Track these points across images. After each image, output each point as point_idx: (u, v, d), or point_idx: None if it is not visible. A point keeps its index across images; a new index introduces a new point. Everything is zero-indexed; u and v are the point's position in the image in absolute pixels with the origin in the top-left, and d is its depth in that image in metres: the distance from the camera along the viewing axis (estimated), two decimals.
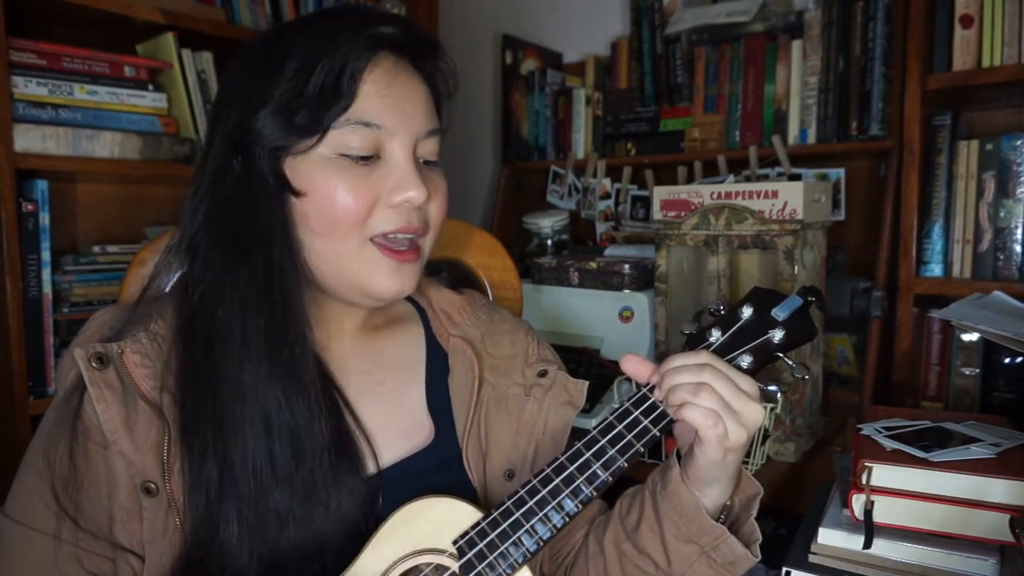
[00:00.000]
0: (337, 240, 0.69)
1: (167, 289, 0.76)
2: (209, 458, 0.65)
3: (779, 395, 0.70)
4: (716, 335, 0.70)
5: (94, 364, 0.66)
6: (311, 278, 0.72)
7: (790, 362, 0.70)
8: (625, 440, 0.66)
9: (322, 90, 0.67)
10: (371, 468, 0.72)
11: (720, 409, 0.65)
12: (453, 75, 0.78)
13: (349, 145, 0.68)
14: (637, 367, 0.70)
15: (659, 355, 1.33)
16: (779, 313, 0.70)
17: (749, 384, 0.67)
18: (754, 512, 0.74)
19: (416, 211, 0.71)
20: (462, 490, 0.74)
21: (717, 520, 0.72)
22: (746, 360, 0.69)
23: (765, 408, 1.14)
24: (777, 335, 0.69)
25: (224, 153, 0.70)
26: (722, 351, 0.70)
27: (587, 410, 1.36)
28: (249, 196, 0.69)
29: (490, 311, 0.87)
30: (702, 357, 0.67)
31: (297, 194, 0.69)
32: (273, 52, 0.70)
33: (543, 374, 0.80)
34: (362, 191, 0.68)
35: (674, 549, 0.71)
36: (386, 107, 0.69)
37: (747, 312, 0.71)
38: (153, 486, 0.65)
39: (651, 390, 0.69)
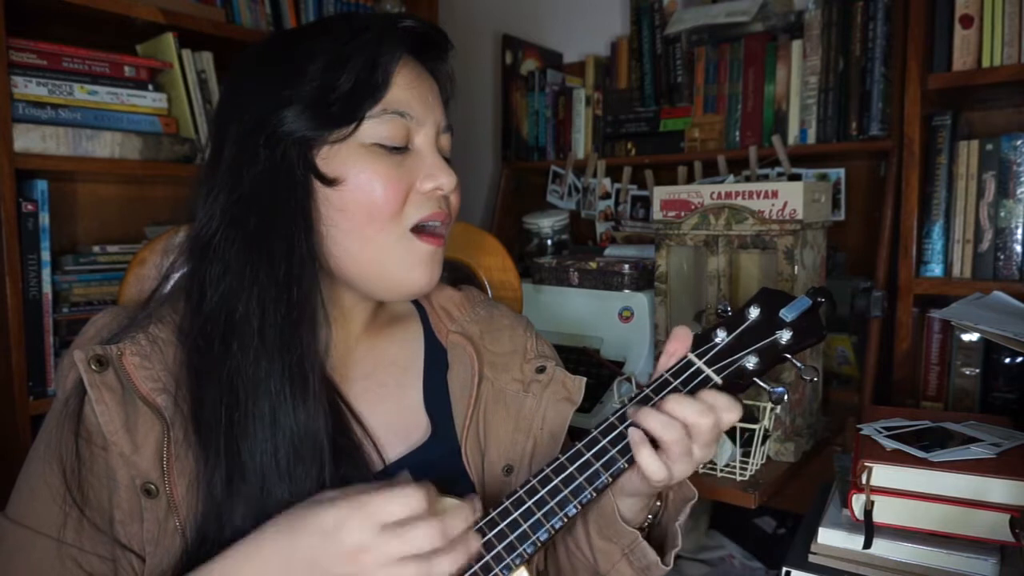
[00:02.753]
0: (374, 232, 0.70)
1: (166, 291, 0.76)
2: (221, 456, 0.65)
3: (785, 397, 0.69)
4: (722, 336, 0.70)
5: (94, 366, 0.66)
6: (329, 272, 0.72)
7: (798, 364, 0.69)
8: (626, 441, 0.66)
9: (356, 82, 0.68)
10: (377, 467, 0.72)
11: (677, 457, 0.65)
12: (453, 80, 0.81)
13: (384, 135, 0.70)
14: (679, 344, 0.70)
15: (658, 355, 1.33)
16: (787, 314, 0.69)
17: (735, 415, 0.66)
18: (682, 518, 0.75)
19: (443, 199, 0.74)
20: (460, 486, 0.75)
21: (646, 518, 0.75)
22: (752, 361, 0.68)
23: (766, 409, 1.14)
24: (785, 336, 0.68)
25: (244, 148, 0.69)
26: (728, 351, 0.69)
27: (586, 410, 1.36)
28: (272, 189, 0.68)
29: (489, 307, 0.87)
30: (690, 412, 0.65)
31: (331, 183, 0.69)
32: (292, 53, 0.71)
33: (541, 370, 0.80)
34: (396, 179, 0.70)
35: (598, 546, 0.73)
36: (414, 98, 0.72)
37: (754, 313, 0.70)
38: (153, 487, 0.65)
39: (654, 391, 0.69)
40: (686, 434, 0.65)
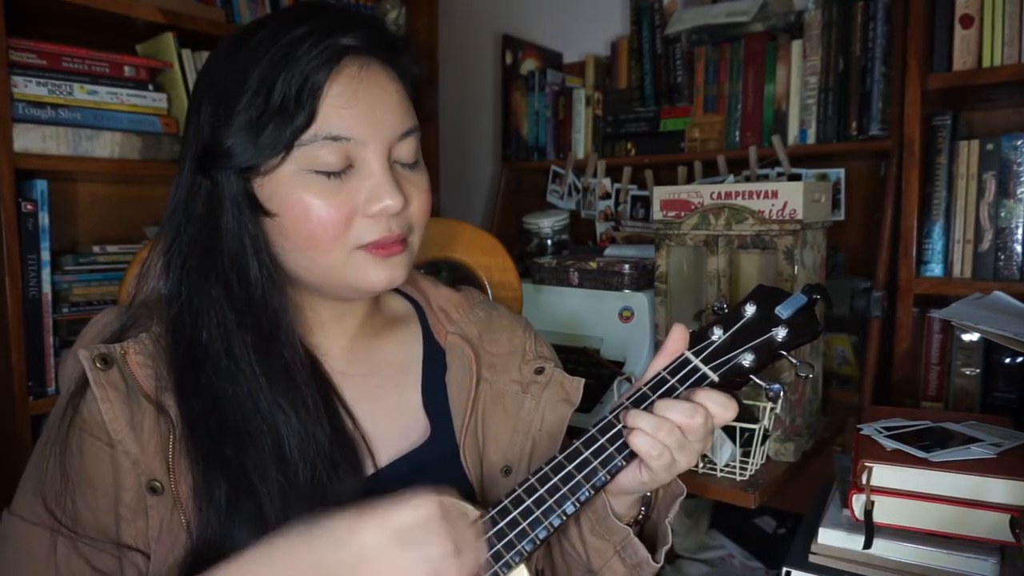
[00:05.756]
0: (320, 253, 0.68)
1: (165, 291, 0.76)
2: (215, 469, 0.65)
3: (781, 394, 0.69)
4: (718, 333, 0.70)
5: (98, 365, 0.66)
6: (296, 284, 0.73)
7: (794, 360, 0.69)
8: (624, 439, 0.66)
9: (283, 106, 0.64)
10: (369, 469, 0.72)
11: (675, 446, 0.65)
12: (425, 62, 0.76)
13: (319, 161, 0.66)
14: (677, 343, 0.70)
15: None
16: (783, 311, 0.69)
17: (730, 413, 0.66)
18: (672, 514, 0.75)
19: (395, 218, 0.70)
20: (459, 486, 0.75)
21: (639, 511, 0.75)
22: (748, 358, 0.68)
23: (766, 409, 1.14)
24: (780, 333, 0.68)
25: (193, 171, 0.69)
26: (725, 349, 0.69)
27: (586, 409, 1.36)
28: (218, 217, 0.68)
29: (488, 308, 0.87)
30: (677, 414, 0.65)
31: (269, 214, 0.68)
32: (239, 62, 0.67)
33: (540, 371, 0.80)
34: (336, 205, 0.67)
35: (590, 544, 0.73)
36: (353, 117, 0.67)
37: (750, 310, 0.71)
38: (158, 484, 0.65)
39: (652, 388, 0.69)
40: (679, 432, 0.65)
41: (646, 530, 0.77)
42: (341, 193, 0.67)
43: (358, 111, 0.67)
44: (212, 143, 0.67)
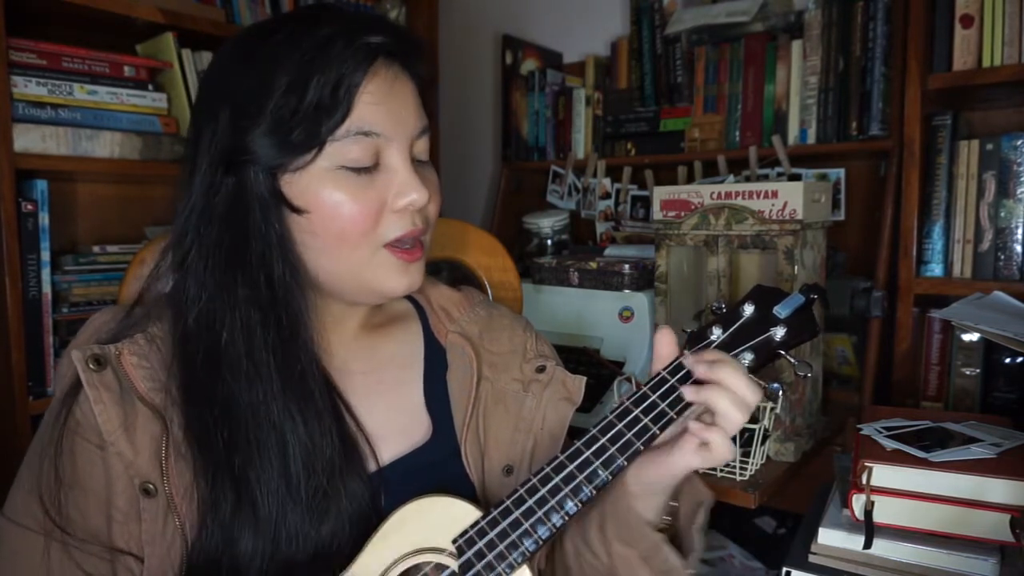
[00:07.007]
0: (348, 251, 0.69)
1: (166, 291, 0.76)
2: (224, 479, 0.65)
3: (780, 393, 0.69)
4: (717, 333, 0.70)
5: (91, 366, 0.66)
6: (314, 285, 0.72)
7: (792, 359, 0.69)
8: (625, 438, 0.66)
9: (319, 105, 0.65)
10: (371, 467, 0.72)
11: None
12: (434, 72, 0.79)
13: (349, 156, 0.67)
14: (670, 347, 0.70)
15: None
16: (781, 311, 0.70)
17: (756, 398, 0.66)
18: (698, 522, 0.73)
19: (418, 213, 0.72)
20: (461, 486, 0.75)
21: (662, 522, 0.72)
22: (747, 358, 0.68)
23: (766, 408, 1.14)
24: (779, 333, 0.69)
25: (213, 172, 0.68)
26: (723, 349, 0.69)
27: (587, 409, 1.36)
28: (244, 217, 0.68)
29: (488, 307, 0.87)
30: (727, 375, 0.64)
31: (299, 211, 0.68)
32: (259, 64, 0.67)
33: (541, 370, 0.80)
34: (367, 200, 0.68)
35: (616, 551, 0.71)
36: (382, 114, 0.68)
37: (749, 310, 0.71)
38: (151, 487, 0.65)
39: (652, 389, 0.69)
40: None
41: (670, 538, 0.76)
42: (370, 189, 0.69)
43: (388, 108, 0.69)
44: (238, 145, 0.67)
